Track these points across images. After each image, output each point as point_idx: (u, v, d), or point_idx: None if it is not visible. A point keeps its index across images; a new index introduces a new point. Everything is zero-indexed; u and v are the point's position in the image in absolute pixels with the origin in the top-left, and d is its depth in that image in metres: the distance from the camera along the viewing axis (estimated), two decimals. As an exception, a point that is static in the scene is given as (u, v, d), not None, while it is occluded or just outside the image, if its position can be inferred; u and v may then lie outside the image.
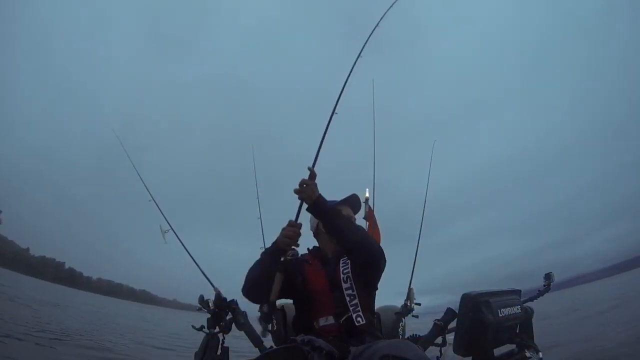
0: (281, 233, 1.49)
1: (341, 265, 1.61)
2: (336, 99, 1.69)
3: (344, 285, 1.53)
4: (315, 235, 1.84)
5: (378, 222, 2.43)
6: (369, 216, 2.06)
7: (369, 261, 1.56)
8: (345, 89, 1.73)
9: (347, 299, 1.50)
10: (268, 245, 2.54)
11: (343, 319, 1.47)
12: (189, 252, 2.20)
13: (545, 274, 2.06)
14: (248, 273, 1.56)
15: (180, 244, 2.21)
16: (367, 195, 2.48)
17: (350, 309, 1.48)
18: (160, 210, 2.31)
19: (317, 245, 1.83)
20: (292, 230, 1.48)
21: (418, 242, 2.56)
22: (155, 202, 2.36)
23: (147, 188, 2.42)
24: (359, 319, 1.46)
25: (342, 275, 1.56)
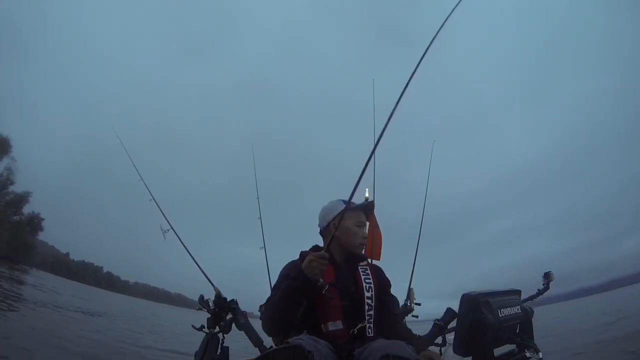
0: (310, 264, 1.33)
1: (362, 273, 1.59)
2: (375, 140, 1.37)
3: (366, 294, 1.52)
4: (322, 234, 1.77)
5: (379, 222, 2.43)
6: (370, 217, 2.06)
7: None
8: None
9: (366, 307, 1.49)
10: (268, 245, 2.56)
11: (357, 328, 1.44)
12: (189, 252, 2.20)
13: (545, 273, 2.06)
14: (273, 312, 1.43)
15: (181, 243, 2.21)
16: (367, 195, 2.47)
17: (366, 318, 1.47)
18: (161, 210, 2.32)
19: (319, 244, 1.77)
20: (324, 264, 1.34)
21: (418, 242, 2.56)
22: (155, 201, 2.36)
23: (147, 188, 2.43)
24: (370, 330, 1.46)
25: (364, 284, 1.54)
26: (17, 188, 32.45)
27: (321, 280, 1.36)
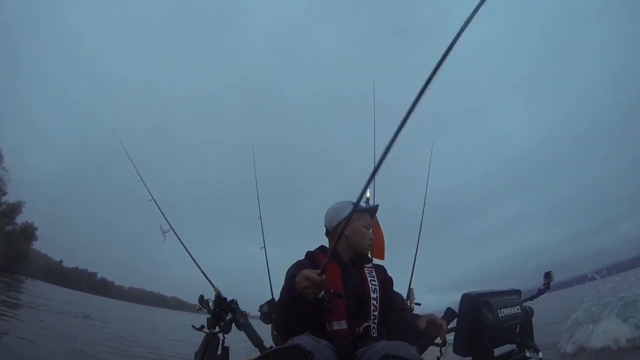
0: (303, 290, 1.21)
1: (368, 274, 1.61)
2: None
3: (372, 295, 1.53)
4: (329, 234, 1.75)
5: (380, 220, 2.43)
6: (373, 219, 2.07)
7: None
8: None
9: (371, 307, 1.50)
10: (268, 245, 2.56)
11: (362, 326, 1.45)
12: (189, 252, 2.20)
13: (545, 273, 2.06)
14: (283, 321, 1.46)
15: (181, 244, 2.21)
16: (368, 195, 2.47)
17: (371, 318, 1.49)
18: (161, 210, 2.31)
19: (325, 244, 1.76)
20: (318, 293, 1.22)
21: (418, 242, 2.56)
22: (155, 201, 2.36)
23: (147, 188, 2.42)
24: (374, 330, 1.48)
25: (370, 285, 1.56)
26: (9, 198, 32.81)
27: (322, 293, 1.28)
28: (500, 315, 1.32)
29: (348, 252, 1.65)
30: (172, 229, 2.22)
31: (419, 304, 2.22)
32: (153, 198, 2.37)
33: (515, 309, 1.42)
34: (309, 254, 1.69)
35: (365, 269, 1.64)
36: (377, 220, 2.10)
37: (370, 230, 1.74)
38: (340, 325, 1.44)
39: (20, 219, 34.49)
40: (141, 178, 2.47)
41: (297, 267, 1.59)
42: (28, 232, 35.58)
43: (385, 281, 1.68)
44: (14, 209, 33.45)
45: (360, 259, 1.67)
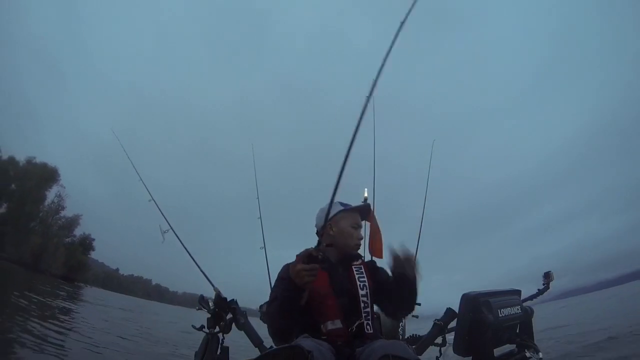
0: (299, 276, 1.28)
1: (356, 272, 1.62)
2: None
3: (360, 292, 1.54)
4: (319, 234, 1.77)
5: (379, 223, 2.43)
6: (370, 217, 2.06)
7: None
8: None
9: (362, 305, 1.52)
10: (268, 245, 2.56)
11: (355, 325, 1.47)
12: (188, 252, 2.20)
13: (545, 273, 2.06)
14: (274, 321, 1.46)
15: (181, 243, 2.21)
16: (366, 195, 2.47)
17: (363, 316, 1.50)
18: (160, 210, 2.31)
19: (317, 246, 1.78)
20: (314, 275, 1.29)
21: (418, 242, 2.56)
22: (155, 202, 2.36)
23: (147, 188, 2.42)
24: (368, 326, 1.49)
25: (358, 283, 1.57)
26: (68, 212, 36.00)
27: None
28: (500, 315, 1.32)
29: (335, 253, 1.66)
30: (171, 229, 2.22)
31: (419, 304, 2.21)
32: (153, 198, 2.37)
33: (515, 309, 1.42)
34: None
35: (353, 266, 1.64)
36: (375, 218, 2.10)
37: (360, 230, 1.73)
38: (335, 324, 1.46)
39: (78, 231, 37.60)
40: (140, 178, 2.47)
41: (285, 271, 1.60)
42: (86, 243, 38.41)
43: (376, 274, 1.68)
44: (73, 222, 36.41)
45: (347, 258, 1.67)
